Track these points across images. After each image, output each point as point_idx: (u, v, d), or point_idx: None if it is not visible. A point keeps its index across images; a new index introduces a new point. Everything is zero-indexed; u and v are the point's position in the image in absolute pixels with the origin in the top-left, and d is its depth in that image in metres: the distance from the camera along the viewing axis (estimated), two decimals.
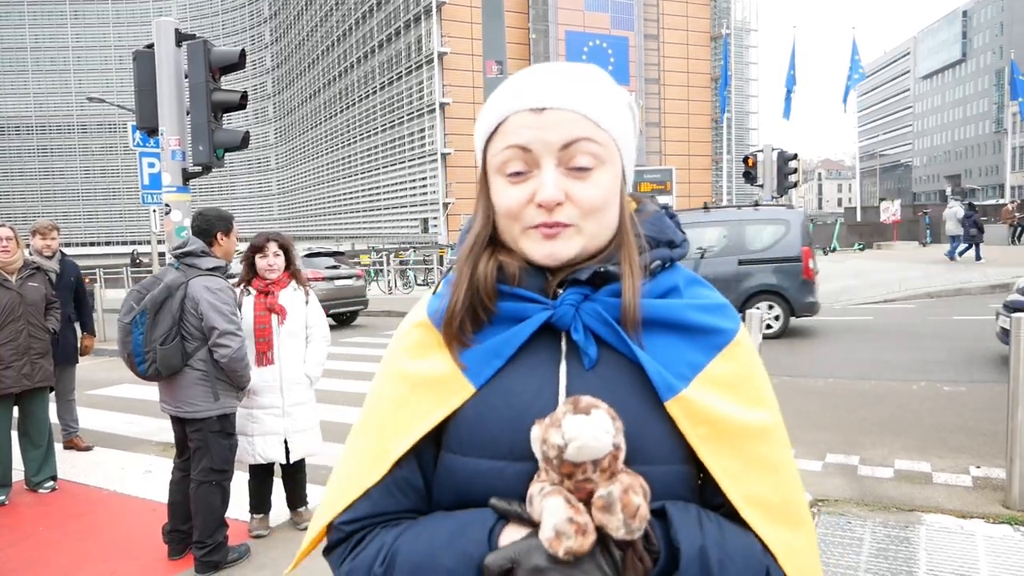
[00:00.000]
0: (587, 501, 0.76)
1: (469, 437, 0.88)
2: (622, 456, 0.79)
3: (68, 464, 5.69)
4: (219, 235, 4.02)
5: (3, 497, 4.97)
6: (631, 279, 0.90)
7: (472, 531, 0.82)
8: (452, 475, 0.89)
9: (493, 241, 0.95)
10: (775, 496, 0.87)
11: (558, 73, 0.91)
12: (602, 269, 0.90)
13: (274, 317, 4.14)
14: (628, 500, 0.75)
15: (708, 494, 0.88)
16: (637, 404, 0.86)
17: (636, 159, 0.99)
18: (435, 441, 0.91)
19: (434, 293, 1.00)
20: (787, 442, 0.92)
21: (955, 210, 21.24)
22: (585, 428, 0.76)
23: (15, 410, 5.12)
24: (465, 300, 0.92)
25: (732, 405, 0.88)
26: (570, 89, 0.89)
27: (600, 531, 0.75)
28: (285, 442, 4.19)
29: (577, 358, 0.90)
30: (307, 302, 4.31)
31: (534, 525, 0.78)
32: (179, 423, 3.88)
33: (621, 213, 0.94)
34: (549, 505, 0.76)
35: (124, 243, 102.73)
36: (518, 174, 0.89)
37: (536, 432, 0.80)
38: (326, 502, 0.94)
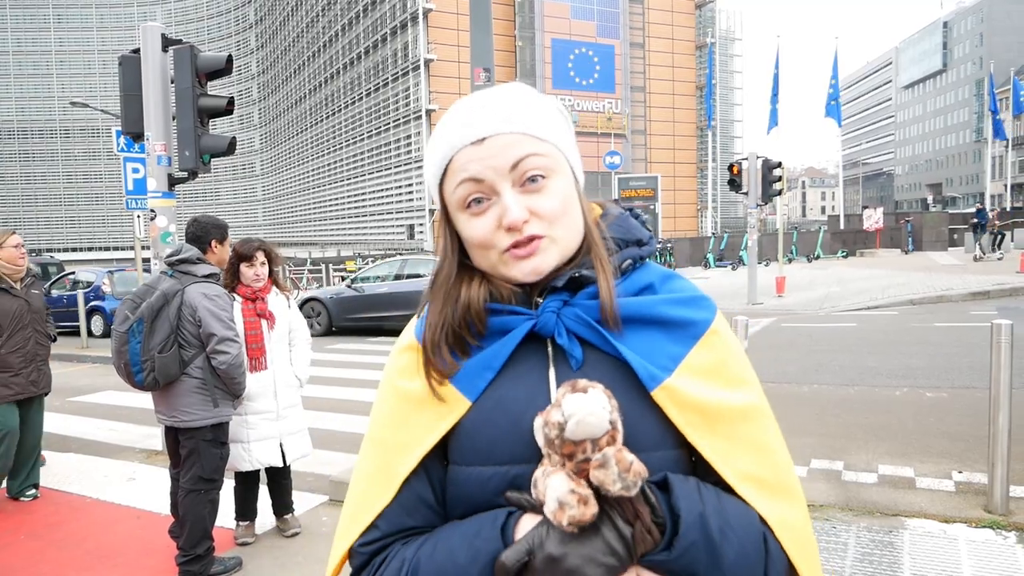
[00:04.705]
0: (588, 483, 0.79)
1: (471, 447, 0.91)
2: (619, 438, 0.81)
3: (50, 472, 5.62)
4: (213, 243, 4.03)
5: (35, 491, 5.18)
6: (605, 279, 0.93)
7: (485, 531, 0.85)
8: (460, 486, 0.92)
9: (469, 270, 0.98)
10: (768, 473, 0.90)
11: (487, 101, 0.94)
12: (577, 274, 0.94)
13: (263, 323, 4.15)
14: (621, 456, 0.77)
15: (701, 474, 0.90)
16: (625, 397, 0.87)
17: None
18: (442, 457, 0.95)
19: (418, 317, 1.03)
20: (774, 422, 0.95)
21: None
22: (583, 404, 0.79)
23: None
24: (445, 327, 0.95)
25: (716, 390, 0.91)
26: (502, 113, 0.93)
27: (604, 511, 0.79)
28: (280, 445, 4.21)
29: (564, 361, 0.93)
30: (289, 306, 4.37)
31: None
32: (172, 432, 3.85)
33: (584, 216, 0.98)
34: (552, 482, 0.79)
35: (107, 248, 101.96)
36: (479, 203, 0.93)
37: (539, 421, 0.84)
38: (343, 527, 0.96)
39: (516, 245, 0.91)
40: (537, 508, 0.82)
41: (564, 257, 0.94)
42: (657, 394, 0.89)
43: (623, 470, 0.77)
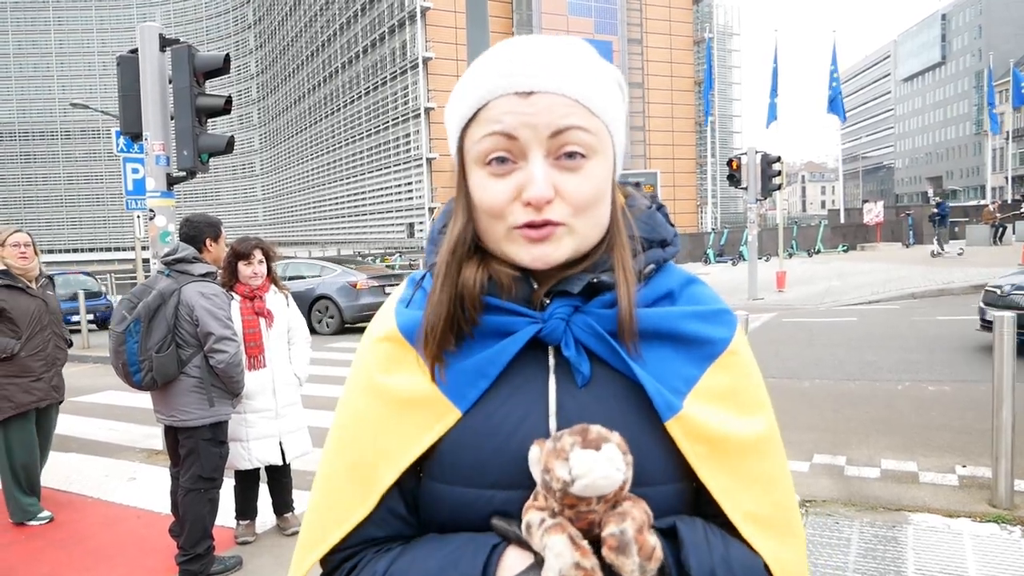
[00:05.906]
0: (587, 531, 0.72)
1: (453, 465, 0.82)
2: (628, 487, 0.74)
3: (51, 472, 5.60)
4: (208, 241, 4.02)
5: (47, 512, 4.69)
6: (626, 288, 0.82)
7: (465, 565, 0.77)
8: (439, 504, 0.83)
9: (474, 243, 0.85)
10: (769, 509, 0.84)
11: (545, 50, 0.80)
12: (595, 279, 0.83)
13: (262, 321, 4.14)
14: (644, 541, 0.70)
15: (704, 504, 0.84)
16: (635, 424, 0.80)
17: (620, 162, 0.95)
18: (414, 466, 0.84)
19: (400, 300, 0.91)
20: (781, 449, 0.90)
21: None
22: (596, 466, 0.70)
23: None
24: (447, 314, 0.82)
25: (728, 417, 0.84)
26: (560, 70, 0.79)
27: (605, 566, 0.71)
28: (279, 444, 4.20)
29: (567, 374, 0.83)
30: (288, 304, 4.36)
31: (534, 551, 0.73)
32: (171, 432, 3.83)
33: (613, 208, 0.86)
34: (553, 545, 0.70)
35: (108, 249, 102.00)
36: (502, 162, 0.80)
37: (535, 454, 0.75)
38: (310, 534, 0.87)
39: (530, 225, 0.79)
40: (524, 543, 0.75)
41: (579, 252, 0.82)
42: (671, 425, 0.81)
43: (644, 558, 0.70)
